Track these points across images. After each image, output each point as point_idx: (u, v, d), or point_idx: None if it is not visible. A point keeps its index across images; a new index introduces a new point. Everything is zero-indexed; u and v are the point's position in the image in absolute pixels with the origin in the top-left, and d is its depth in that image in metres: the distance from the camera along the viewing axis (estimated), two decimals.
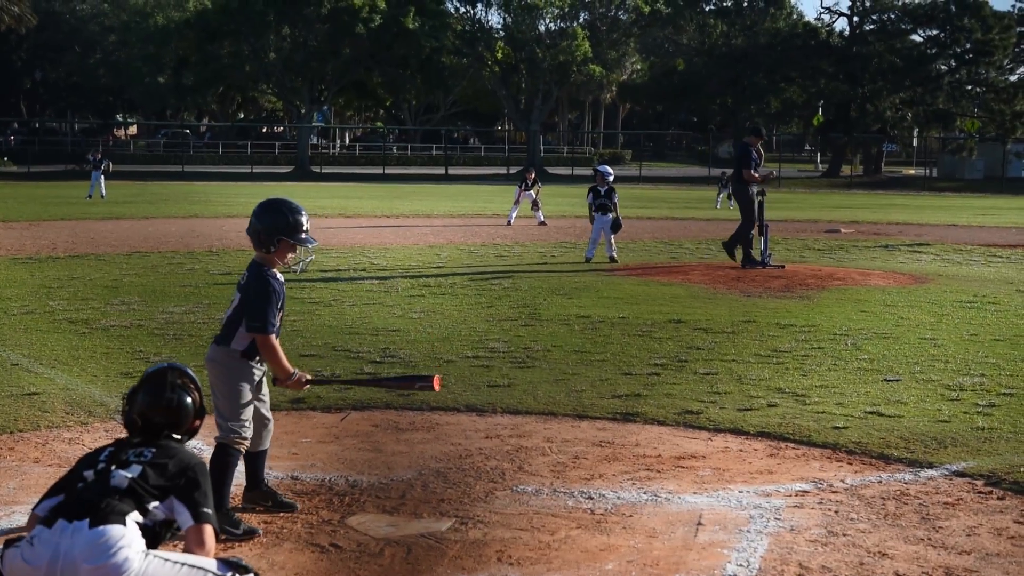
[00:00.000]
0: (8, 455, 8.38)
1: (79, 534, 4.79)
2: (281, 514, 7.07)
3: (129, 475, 5.04)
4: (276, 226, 6.77)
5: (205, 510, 5.16)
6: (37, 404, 9.81)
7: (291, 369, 6.83)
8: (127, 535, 4.83)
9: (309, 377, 6.93)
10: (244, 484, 7.18)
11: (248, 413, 6.79)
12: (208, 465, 6.64)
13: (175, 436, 5.42)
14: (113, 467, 5.09)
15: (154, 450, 5.19)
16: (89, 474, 5.11)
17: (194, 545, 5.09)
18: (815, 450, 8.76)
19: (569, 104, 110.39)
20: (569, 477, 7.98)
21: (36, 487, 7.01)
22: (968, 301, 17.22)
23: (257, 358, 6.81)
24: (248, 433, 6.79)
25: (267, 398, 7.11)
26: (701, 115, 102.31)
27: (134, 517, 4.91)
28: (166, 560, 4.91)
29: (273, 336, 6.72)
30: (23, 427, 9.14)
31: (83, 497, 4.95)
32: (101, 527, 4.81)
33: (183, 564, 4.94)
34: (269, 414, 7.12)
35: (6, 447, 8.59)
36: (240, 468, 6.97)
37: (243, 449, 6.84)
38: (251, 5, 72.53)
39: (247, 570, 5.11)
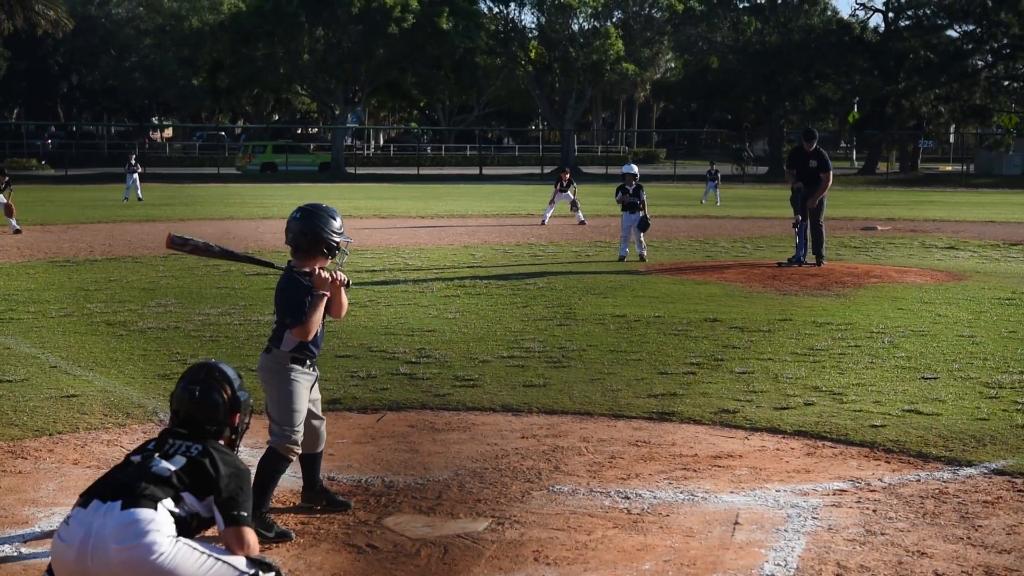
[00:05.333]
0: (47, 456, 8.45)
1: (111, 515, 4.88)
2: (319, 515, 7.11)
3: (172, 467, 5.13)
4: (318, 231, 6.80)
5: (241, 513, 5.21)
6: (76, 406, 9.88)
7: (318, 299, 6.69)
8: (156, 519, 4.91)
9: (322, 275, 6.72)
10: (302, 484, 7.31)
11: (300, 419, 6.82)
12: (256, 467, 6.69)
13: (219, 434, 5.47)
14: (157, 455, 5.17)
15: (200, 448, 5.25)
16: (136, 458, 5.20)
17: (235, 547, 5.14)
18: (852, 449, 8.73)
19: (603, 103, 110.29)
20: (605, 477, 7.98)
21: (75, 488, 7.03)
22: (1006, 298, 17.09)
23: (307, 363, 6.85)
24: (299, 439, 6.82)
25: (318, 401, 7.16)
26: (735, 113, 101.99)
27: (167, 504, 4.99)
28: (194, 549, 4.96)
29: (301, 323, 6.68)
30: (62, 429, 9.21)
31: (119, 480, 5.04)
32: (132, 509, 4.90)
33: (209, 555, 4.99)
34: (321, 415, 7.17)
35: (45, 449, 8.66)
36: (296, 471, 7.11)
37: (293, 458, 6.89)
38: (284, 7, 72.75)
39: (271, 568, 5.15)
